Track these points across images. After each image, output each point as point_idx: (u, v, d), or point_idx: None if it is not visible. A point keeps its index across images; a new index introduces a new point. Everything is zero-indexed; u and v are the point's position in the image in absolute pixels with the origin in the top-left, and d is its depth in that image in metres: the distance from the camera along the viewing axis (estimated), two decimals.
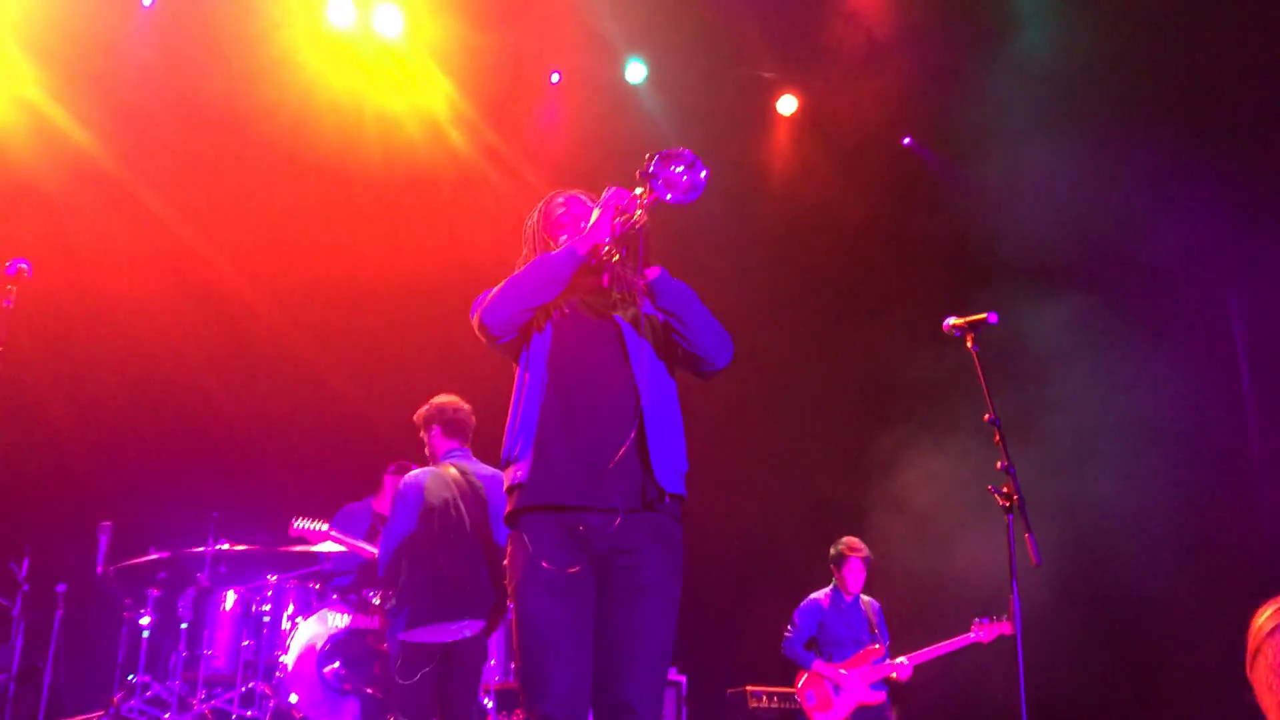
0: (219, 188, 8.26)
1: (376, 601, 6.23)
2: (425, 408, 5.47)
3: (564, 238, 3.29)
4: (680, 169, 3.04)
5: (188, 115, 8.09)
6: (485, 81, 8.58)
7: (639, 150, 9.39)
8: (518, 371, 3.23)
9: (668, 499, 3.05)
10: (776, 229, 9.35)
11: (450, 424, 5.40)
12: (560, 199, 3.43)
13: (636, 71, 8.90)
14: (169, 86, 8.03)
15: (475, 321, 3.17)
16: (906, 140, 9.19)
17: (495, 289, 3.17)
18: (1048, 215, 8.21)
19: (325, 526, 6.19)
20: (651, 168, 3.03)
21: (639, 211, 3.08)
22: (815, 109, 9.24)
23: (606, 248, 3.14)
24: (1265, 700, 1.66)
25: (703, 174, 3.03)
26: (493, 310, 3.11)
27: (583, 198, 3.40)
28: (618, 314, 3.23)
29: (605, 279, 3.27)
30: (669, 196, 3.02)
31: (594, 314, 3.23)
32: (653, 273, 3.15)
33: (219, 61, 8.06)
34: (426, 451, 5.48)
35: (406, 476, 5.21)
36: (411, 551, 5.00)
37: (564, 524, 3.00)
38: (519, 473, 3.06)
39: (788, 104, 9.26)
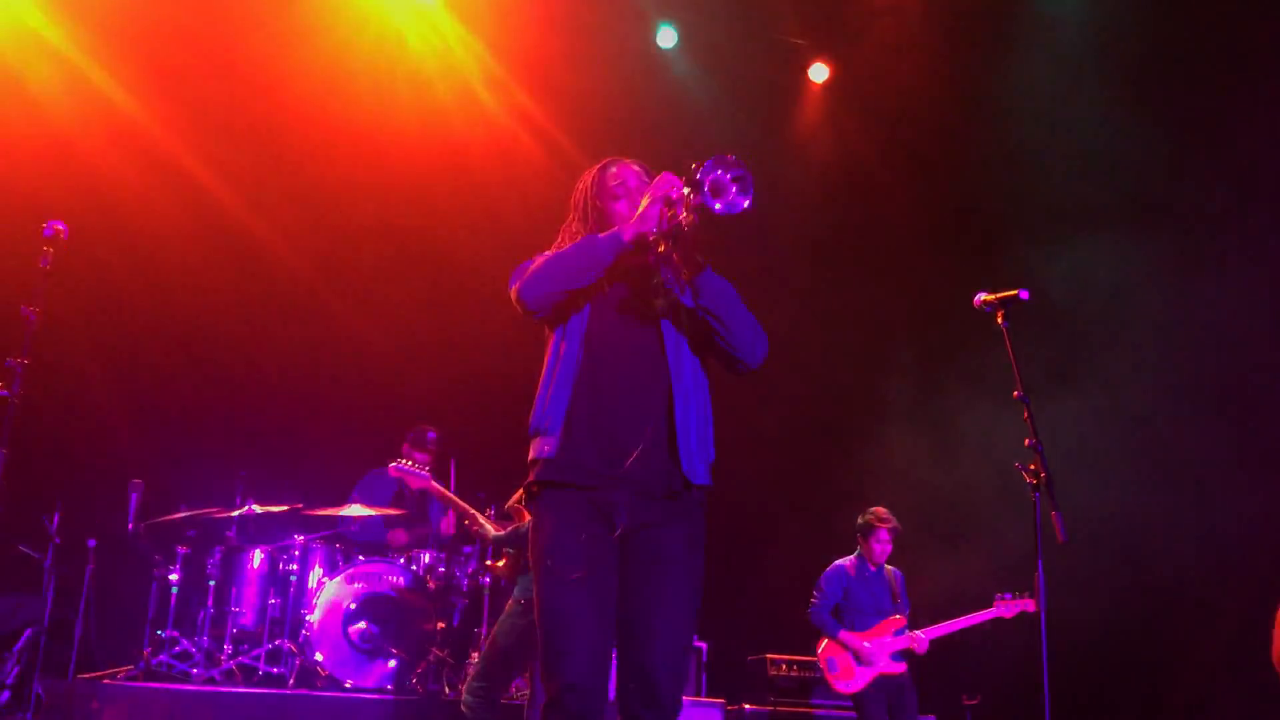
0: (254, 148, 8.27)
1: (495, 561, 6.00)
2: None
3: (616, 209, 3.24)
4: (729, 176, 2.93)
5: (223, 75, 8.10)
6: (517, 44, 8.55)
7: (670, 115, 9.37)
8: (551, 342, 3.19)
9: (694, 490, 3.06)
10: (806, 195, 9.30)
11: None
12: (615, 168, 3.33)
13: (667, 36, 8.84)
14: (204, 47, 8.04)
15: (513, 294, 3.12)
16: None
17: (536, 261, 3.13)
18: (1081, 179, 8.14)
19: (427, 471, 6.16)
20: (699, 174, 2.92)
21: (684, 212, 2.97)
22: (847, 76, 9.15)
23: (653, 237, 3.06)
24: None
25: (748, 193, 2.93)
26: (531, 287, 3.07)
27: (637, 169, 3.31)
28: (660, 301, 3.19)
29: (651, 257, 3.19)
30: (716, 206, 2.92)
31: (635, 298, 3.18)
32: (697, 266, 3.07)
33: (253, 22, 8.07)
34: None
35: None
36: None
37: (587, 500, 3.01)
38: (546, 447, 3.05)
39: (819, 72, 9.18)
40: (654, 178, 3.16)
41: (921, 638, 6.54)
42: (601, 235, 3.10)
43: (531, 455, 3.12)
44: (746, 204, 2.94)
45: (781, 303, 8.54)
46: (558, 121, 8.72)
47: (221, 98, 8.14)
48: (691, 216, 2.96)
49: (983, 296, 4.25)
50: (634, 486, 3.00)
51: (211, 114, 8.16)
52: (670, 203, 2.99)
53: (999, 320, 4.19)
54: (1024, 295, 4.14)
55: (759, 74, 9.05)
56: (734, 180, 2.95)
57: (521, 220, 7.94)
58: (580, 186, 3.36)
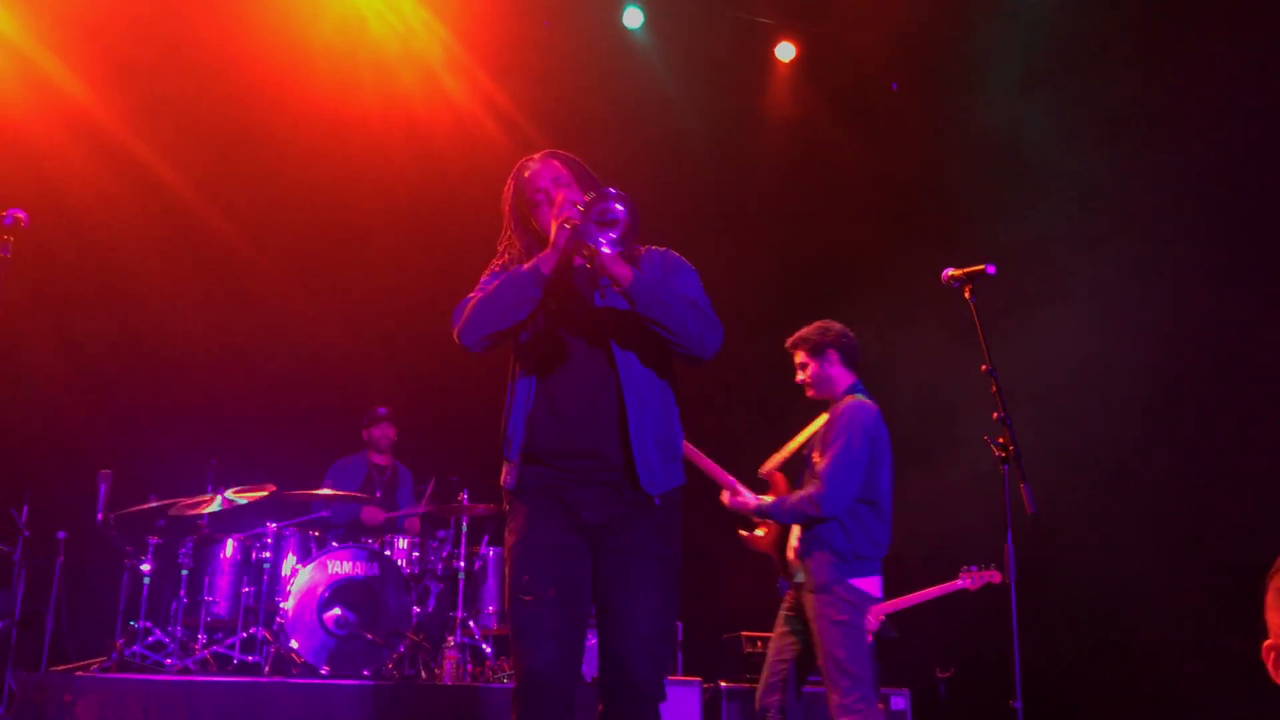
0: (211, 135, 8.20)
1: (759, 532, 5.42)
2: (816, 332, 4.86)
3: (540, 217, 3.22)
4: (615, 206, 2.95)
5: (180, 62, 8.01)
6: (480, 27, 8.49)
7: (636, 96, 9.28)
8: (510, 364, 3.24)
9: (658, 500, 3.09)
10: (773, 175, 9.31)
11: (851, 352, 4.87)
12: (529, 171, 3.27)
13: (633, 17, 8.82)
14: (160, 33, 7.93)
15: (455, 336, 3.15)
16: (895, 86, 9.13)
17: (471, 300, 3.15)
18: (1043, 155, 8.17)
19: None
20: (590, 210, 2.94)
21: (586, 247, 2.99)
22: (813, 55, 9.16)
23: (581, 255, 3.09)
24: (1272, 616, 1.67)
25: (632, 216, 2.93)
26: (468, 332, 3.11)
27: (550, 170, 3.25)
28: (604, 304, 3.19)
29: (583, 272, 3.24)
30: (603, 241, 2.93)
31: (581, 309, 3.21)
32: (625, 278, 3.01)
33: (210, 5, 8.00)
34: (808, 378, 4.90)
35: (864, 402, 4.75)
36: (871, 487, 4.72)
37: (553, 496, 3.08)
38: (509, 479, 3.16)
39: (785, 50, 9.19)
40: (569, 170, 3.22)
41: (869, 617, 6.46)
42: (524, 269, 3.08)
43: (501, 482, 3.20)
44: (619, 236, 2.95)
45: (747, 281, 8.54)
46: (522, 104, 8.67)
47: (178, 84, 8.05)
48: (593, 250, 2.97)
49: (950, 272, 4.27)
50: (595, 503, 3.06)
51: (168, 101, 8.07)
52: (569, 220, 2.97)
53: (966, 295, 4.21)
54: (991, 270, 4.16)
55: (725, 53, 9.04)
56: (622, 209, 2.95)
57: (486, 205, 7.86)
58: (506, 195, 3.33)
